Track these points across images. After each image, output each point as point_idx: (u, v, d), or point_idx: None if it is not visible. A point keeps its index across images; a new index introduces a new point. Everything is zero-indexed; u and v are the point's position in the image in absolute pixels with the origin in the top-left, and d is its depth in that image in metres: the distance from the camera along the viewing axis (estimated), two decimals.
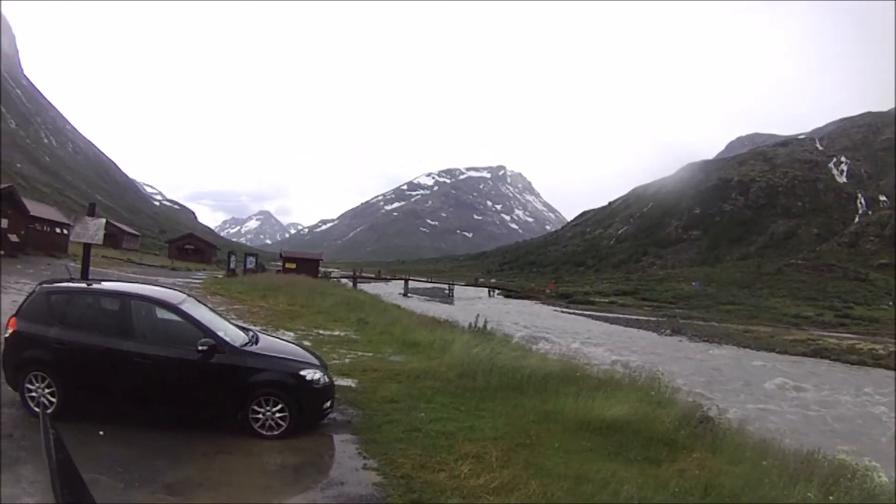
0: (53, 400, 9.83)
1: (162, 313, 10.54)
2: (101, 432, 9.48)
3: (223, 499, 7.72)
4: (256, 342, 11.07)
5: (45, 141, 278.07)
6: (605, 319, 71.68)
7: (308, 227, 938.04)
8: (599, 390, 12.85)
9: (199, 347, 9.77)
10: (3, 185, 50.25)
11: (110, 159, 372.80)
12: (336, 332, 22.67)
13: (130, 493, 7.65)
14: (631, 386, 14.12)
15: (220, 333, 10.42)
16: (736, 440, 11.03)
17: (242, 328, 12.11)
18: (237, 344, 10.47)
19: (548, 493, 7.79)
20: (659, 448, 10.00)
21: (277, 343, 12.18)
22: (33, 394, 9.87)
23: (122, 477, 8.02)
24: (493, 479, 8.15)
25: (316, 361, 11.14)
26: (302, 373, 10.34)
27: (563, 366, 15.63)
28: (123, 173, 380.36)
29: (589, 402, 11.70)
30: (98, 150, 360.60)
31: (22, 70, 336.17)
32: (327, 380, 10.75)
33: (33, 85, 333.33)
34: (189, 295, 12.34)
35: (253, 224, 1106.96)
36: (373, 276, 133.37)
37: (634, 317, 77.40)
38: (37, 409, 9.74)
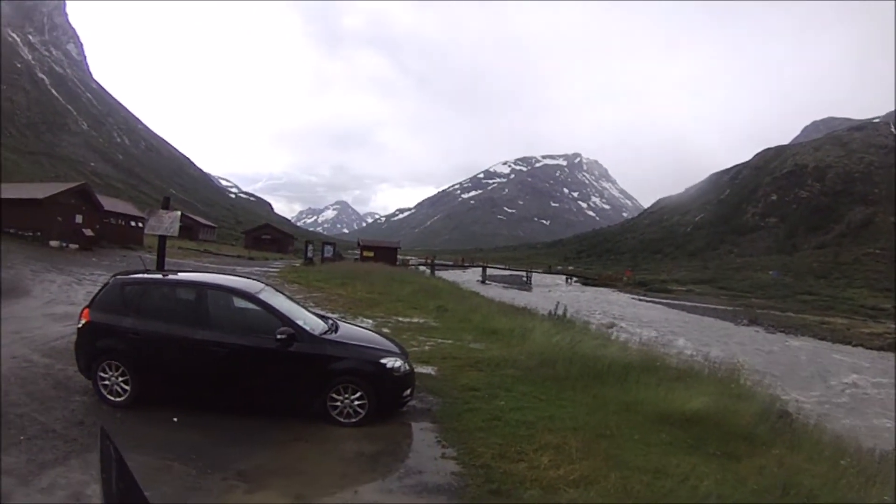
0: (127, 388, 9.90)
1: (239, 302, 10.50)
2: (175, 419, 9.51)
3: (297, 487, 7.58)
4: (336, 330, 10.95)
5: (118, 140, 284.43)
6: (683, 308, 70.38)
7: (385, 216, 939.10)
8: (679, 381, 12.51)
9: (278, 336, 9.68)
10: (77, 183, 52.27)
11: (184, 155, 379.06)
12: (415, 320, 22.52)
13: (203, 480, 7.57)
14: (710, 378, 13.69)
15: (300, 322, 10.31)
16: (814, 437, 10.64)
17: (322, 316, 12.02)
18: (317, 332, 10.36)
19: (627, 486, 7.48)
20: (738, 443, 9.58)
21: (357, 331, 12.04)
22: (106, 382, 9.95)
23: (195, 463, 7.96)
24: (572, 471, 7.88)
25: (396, 349, 10.95)
26: (382, 361, 10.16)
27: (644, 355, 15.22)
28: (198, 168, 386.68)
29: (669, 394, 11.37)
30: (171, 146, 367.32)
31: (91, 74, 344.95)
32: (407, 368, 10.55)
33: (103, 88, 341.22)
34: (267, 284, 12.33)
35: (330, 214, 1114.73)
36: (450, 263, 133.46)
37: (711, 306, 75.63)
38: (109, 397, 9.92)
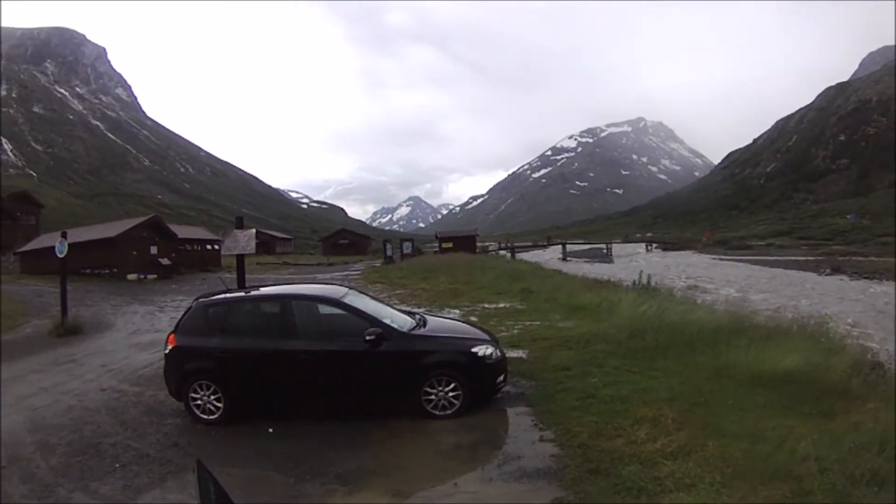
0: (219, 405, 10.02)
1: (325, 309, 10.56)
2: (271, 430, 9.56)
3: (397, 484, 7.53)
4: (424, 325, 10.92)
5: (182, 170, 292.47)
6: (764, 263, 68.73)
7: (459, 206, 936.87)
8: (769, 340, 12.02)
9: (367, 338, 9.66)
10: (147, 216, 54.05)
11: (251, 175, 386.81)
12: (501, 305, 22.52)
13: (302, 487, 7.59)
14: (800, 333, 13.16)
15: (387, 321, 10.30)
16: None
17: (409, 312, 12.06)
18: (405, 329, 10.36)
19: (725, 454, 7.28)
20: (833, 399, 9.14)
21: (446, 323, 12.10)
22: (198, 402, 10.08)
23: (293, 472, 7.97)
24: (669, 443, 7.71)
25: (486, 336, 10.87)
26: (473, 350, 10.07)
27: (731, 317, 14.79)
28: (266, 185, 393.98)
29: (760, 354, 11.01)
30: (237, 168, 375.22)
31: (144, 112, 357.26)
32: (499, 354, 10.43)
33: (158, 124, 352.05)
34: (351, 287, 12.42)
35: (404, 210, 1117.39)
36: (530, 244, 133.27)
37: (793, 258, 74.10)
38: (203, 416, 10.05)
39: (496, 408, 10.17)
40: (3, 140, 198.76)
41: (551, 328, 16.43)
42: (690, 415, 8.76)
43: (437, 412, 9.76)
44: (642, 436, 8.07)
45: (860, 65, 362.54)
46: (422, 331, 10.57)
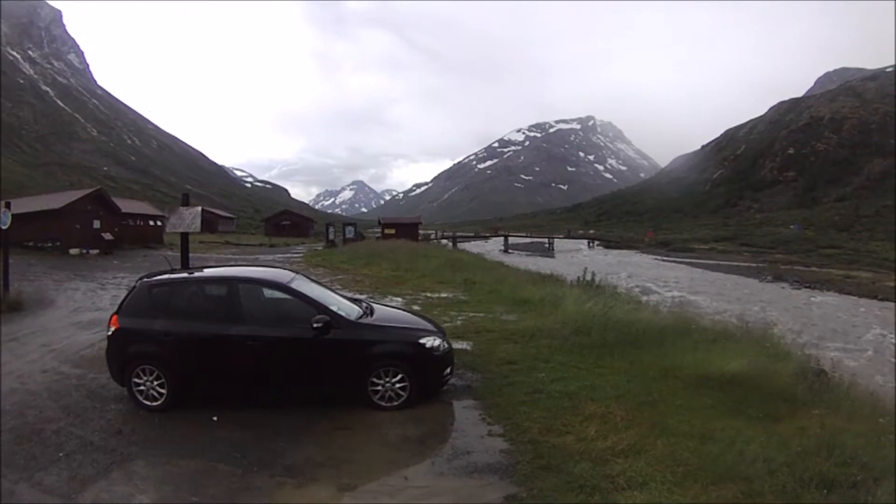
0: (163, 391, 9.80)
1: (271, 294, 10.40)
2: (215, 418, 9.41)
3: (346, 477, 7.46)
4: (371, 314, 10.81)
5: (129, 142, 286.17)
6: (706, 267, 69.15)
7: (403, 193, 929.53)
8: (715, 343, 12.28)
9: (314, 325, 9.52)
10: (92, 189, 53.24)
11: (196, 150, 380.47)
12: (443, 294, 22.47)
13: (250, 478, 7.48)
14: (745, 338, 13.37)
15: (334, 308, 10.17)
16: (850, 395, 10.33)
17: (355, 300, 11.94)
18: (352, 317, 10.22)
19: (675, 453, 7.40)
20: (778, 404, 9.36)
21: (393, 312, 11.93)
22: (141, 387, 9.86)
23: (240, 462, 7.87)
24: (619, 441, 7.82)
25: (433, 328, 10.79)
26: (421, 341, 10.00)
27: (677, 318, 14.99)
28: (211, 161, 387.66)
29: (706, 357, 11.19)
30: (182, 143, 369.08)
31: (95, 81, 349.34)
32: (446, 346, 10.39)
33: (108, 93, 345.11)
34: (296, 271, 12.22)
35: (347, 194, 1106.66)
36: (472, 235, 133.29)
37: (735, 263, 74.84)
38: (146, 402, 9.84)
39: (443, 400, 10.16)
40: None
41: (495, 321, 16.43)
42: (639, 413, 8.88)
43: (384, 403, 9.68)
44: (592, 433, 8.18)
45: (815, 83, 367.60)
46: (369, 319, 10.46)
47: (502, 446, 8.15)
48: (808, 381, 10.52)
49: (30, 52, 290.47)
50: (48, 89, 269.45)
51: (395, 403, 9.67)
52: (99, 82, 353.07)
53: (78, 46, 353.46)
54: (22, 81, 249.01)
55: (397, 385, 9.69)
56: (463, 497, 6.96)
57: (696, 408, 9.19)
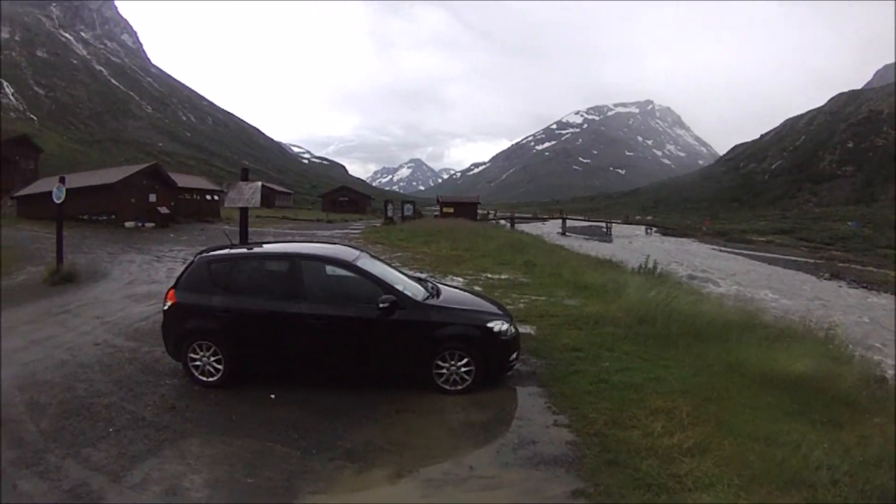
0: (219, 367, 9.68)
1: (334, 271, 10.18)
2: (273, 396, 9.26)
3: (409, 463, 7.23)
4: (438, 295, 10.55)
5: (185, 119, 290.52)
6: (764, 260, 68.19)
7: (460, 172, 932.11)
8: (779, 341, 11.90)
9: (380, 305, 9.35)
10: (147, 164, 54.95)
11: (253, 126, 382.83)
12: (504, 276, 22.12)
13: (308, 461, 7.27)
14: (809, 338, 12.99)
15: (400, 288, 9.95)
16: None
17: (420, 280, 11.70)
18: (418, 298, 10.00)
19: (741, 455, 7.08)
20: (841, 409, 9.02)
21: (460, 294, 11.66)
22: (197, 363, 9.75)
23: (298, 444, 7.68)
24: (686, 439, 7.50)
25: (500, 311, 10.52)
26: (489, 324, 9.74)
27: (741, 312, 14.63)
28: (268, 137, 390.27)
29: (771, 354, 10.83)
30: (239, 119, 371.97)
31: (149, 60, 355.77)
32: (513, 331, 10.10)
33: (163, 71, 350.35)
34: (360, 248, 11.99)
35: (405, 172, 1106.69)
36: (529, 216, 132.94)
37: (792, 258, 73.07)
38: (202, 378, 9.73)
39: (507, 386, 9.89)
40: (5, 83, 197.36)
41: (558, 305, 16.10)
42: (704, 410, 8.54)
43: (448, 387, 9.47)
44: (658, 428, 7.87)
45: (874, 75, 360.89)
46: (436, 301, 10.19)
47: (568, 437, 7.86)
48: (871, 388, 10.26)
49: (82, 34, 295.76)
50: (102, 69, 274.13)
51: (460, 387, 9.45)
52: (153, 61, 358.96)
53: (131, 27, 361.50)
54: (75, 62, 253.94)
55: (463, 369, 9.45)
56: (528, 490, 6.70)
57: (761, 407, 8.87)
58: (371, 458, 7.34)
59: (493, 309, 10.55)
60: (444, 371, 9.46)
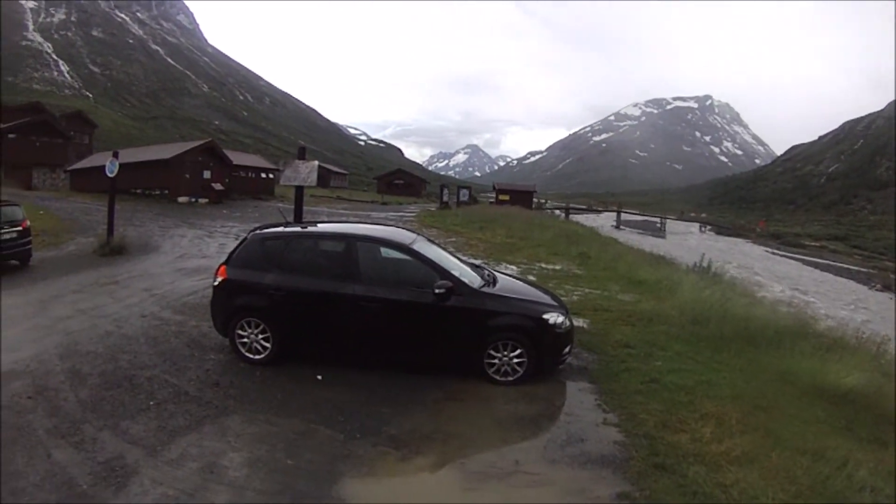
0: (267, 345, 9.66)
1: (388, 253, 10.08)
2: (320, 377, 9.19)
3: (454, 453, 7.12)
4: (494, 283, 10.36)
5: (241, 98, 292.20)
6: (816, 265, 66.83)
7: (517, 160, 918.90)
8: (831, 352, 11.48)
9: (436, 290, 9.20)
10: (203, 141, 55.53)
11: (310, 107, 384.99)
12: (558, 267, 21.85)
13: (351, 445, 7.18)
14: (861, 351, 12.48)
15: (456, 274, 9.80)
16: None
17: (476, 267, 11.53)
18: (475, 285, 9.83)
19: (788, 469, 6.83)
20: (887, 428, 8.73)
21: (516, 283, 11.39)
22: (245, 339, 9.73)
23: (343, 427, 7.60)
24: (734, 447, 7.27)
25: (555, 303, 10.31)
26: (544, 316, 9.52)
27: (794, 319, 14.24)
28: (325, 118, 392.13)
29: (822, 365, 10.48)
30: (296, 100, 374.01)
31: (205, 40, 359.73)
32: (568, 323, 9.88)
33: (219, 51, 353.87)
34: (416, 232, 11.91)
35: (461, 157, 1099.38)
36: (584, 207, 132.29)
37: (845, 266, 71.55)
38: (248, 355, 9.71)
39: (558, 380, 9.69)
40: (60, 62, 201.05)
41: (611, 299, 15.84)
42: (753, 418, 8.30)
43: (499, 377, 9.32)
44: (707, 434, 7.65)
45: None
46: (492, 289, 10.00)
47: (617, 437, 7.67)
48: None
49: (138, 14, 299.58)
50: (158, 48, 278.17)
51: (510, 378, 9.29)
52: (210, 42, 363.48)
53: (187, 8, 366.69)
54: (131, 42, 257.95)
55: (515, 360, 9.28)
56: (573, 490, 6.53)
57: (810, 420, 8.62)
58: (416, 446, 7.24)
59: (549, 300, 10.34)
60: (496, 361, 9.31)
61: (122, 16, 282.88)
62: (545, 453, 7.26)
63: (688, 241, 72.78)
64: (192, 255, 20.77)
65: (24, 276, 16.60)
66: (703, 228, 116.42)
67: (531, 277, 17.52)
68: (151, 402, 8.11)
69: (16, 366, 9.41)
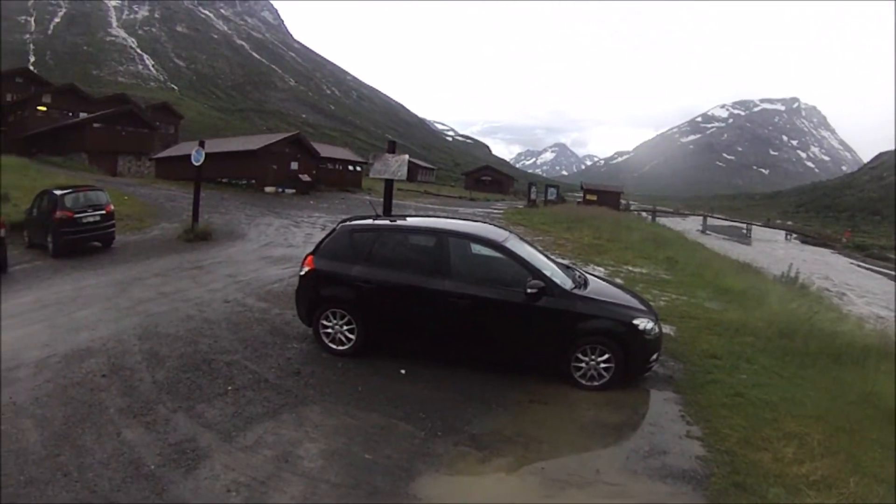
0: (351, 337, 9.70)
1: (479, 250, 9.99)
2: (403, 371, 9.17)
3: (535, 458, 7.00)
4: (585, 285, 10.19)
5: (328, 92, 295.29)
6: None
7: (604, 160, 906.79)
8: None
9: (528, 290, 9.06)
10: (290, 133, 56.17)
11: (398, 102, 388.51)
12: (645, 271, 21.48)
13: (431, 443, 7.14)
14: None
15: (548, 274, 9.64)
16: None
17: (566, 267, 11.34)
18: (566, 287, 9.66)
19: (865, 497, 6.59)
20: None
21: (607, 287, 11.19)
22: (329, 330, 9.77)
23: (424, 424, 7.57)
24: (814, 470, 7.05)
25: (646, 308, 10.12)
26: (635, 321, 9.32)
27: (881, 337, 13.52)
28: (412, 113, 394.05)
29: None
30: (383, 94, 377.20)
31: (291, 36, 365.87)
32: (658, 330, 9.69)
33: (306, 47, 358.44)
34: (508, 230, 11.77)
35: (548, 156, 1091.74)
36: (670, 210, 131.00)
37: None
38: (331, 346, 9.75)
39: (642, 388, 9.47)
40: (145, 56, 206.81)
41: (699, 307, 15.47)
42: (836, 441, 7.97)
43: (584, 382, 9.17)
44: (790, 455, 7.41)
45: None
46: (583, 291, 9.82)
47: (699, 452, 7.48)
48: None
49: (221, 11, 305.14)
50: (243, 43, 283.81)
51: (596, 384, 9.14)
52: (296, 37, 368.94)
53: (271, 5, 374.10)
54: (216, 37, 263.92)
55: (602, 365, 9.13)
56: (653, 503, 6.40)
57: (890, 446, 8.18)
58: (497, 448, 7.16)
59: (640, 305, 10.15)
60: (583, 365, 9.17)
61: (206, 12, 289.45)
62: (626, 463, 7.12)
63: (774, 250, 70.89)
64: (278, 243, 20.97)
65: (106, 258, 17.05)
66: (788, 236, 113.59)
67: (618, 280, 17.20)
68: (229, 388, 8.23)
69: (92, 344, 9.70)
